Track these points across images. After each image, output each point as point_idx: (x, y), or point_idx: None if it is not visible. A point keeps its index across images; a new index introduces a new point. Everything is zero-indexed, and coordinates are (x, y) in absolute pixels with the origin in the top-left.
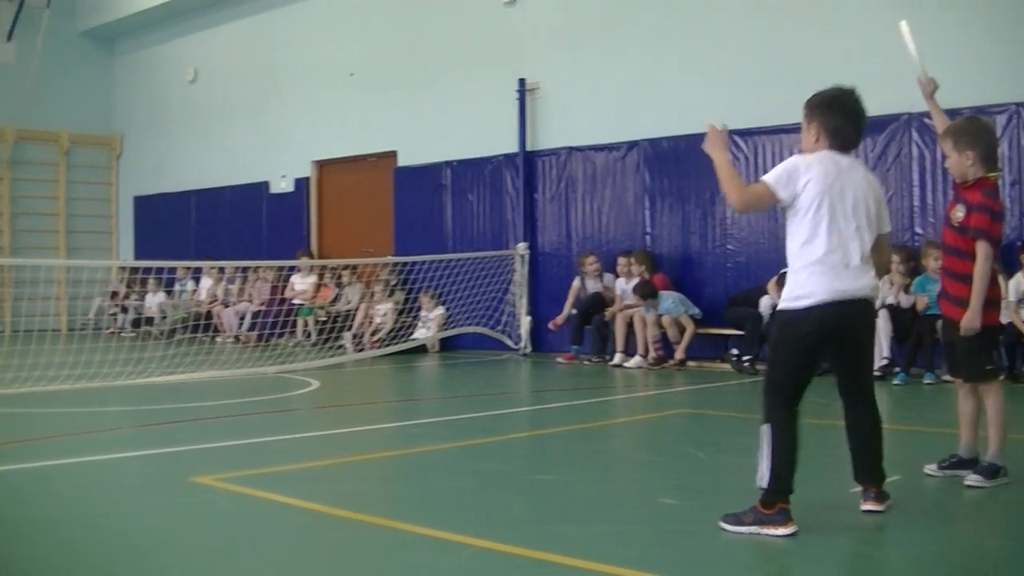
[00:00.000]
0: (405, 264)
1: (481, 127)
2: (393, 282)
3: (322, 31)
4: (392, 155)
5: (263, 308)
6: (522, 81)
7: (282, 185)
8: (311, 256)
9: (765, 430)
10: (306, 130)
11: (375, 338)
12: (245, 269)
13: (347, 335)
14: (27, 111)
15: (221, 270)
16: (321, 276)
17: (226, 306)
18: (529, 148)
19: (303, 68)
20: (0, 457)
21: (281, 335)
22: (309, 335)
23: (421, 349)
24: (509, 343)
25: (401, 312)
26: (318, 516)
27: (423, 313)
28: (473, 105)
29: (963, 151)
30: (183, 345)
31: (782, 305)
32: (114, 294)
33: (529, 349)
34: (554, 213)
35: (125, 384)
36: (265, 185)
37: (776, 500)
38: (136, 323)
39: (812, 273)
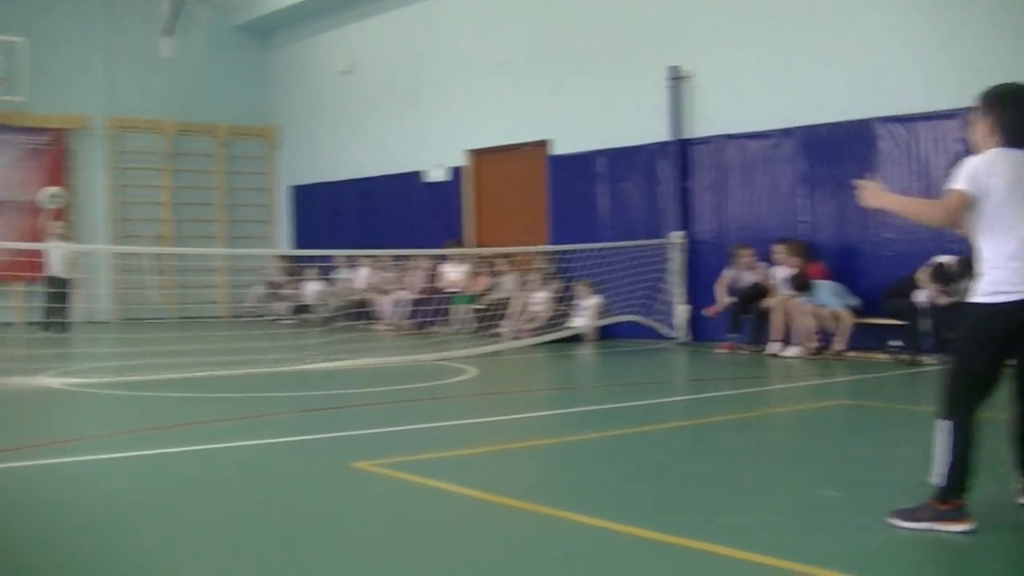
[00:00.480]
0: (560, 253)
1: (635, 115)
2: (549, 271)
3: (475, 20)
4: (546, 144)
5: (419, 296)
6: (675, 68)
7: (436, 174)
8: (461, 246)
9: (944, 427)
10: (460, 119)
11: (531, 326)
12: (401, 257)
13: (506, 323)
14: (186, 104)
15: (378, 258)
16: (474, 265)
17: (383, 294)
18: (683, 136)
19: (456, 57)
20: (166, 440)
21: (438, 323)
22: (465, 323)
23: (577, 337)
24: (665, 332)
25: (557, 300)
26: (475, 502)
27: (579, 301)
28: (626, 93)
29: None
30: (341, 333)
31: (977, 299)
32: (272, 283)
33: (685, 338)
34: (709, 201)
35: (284, 371)
36: (420, 174)
37: (951, 497)
38: (295, 311)
39: (1012, 269)
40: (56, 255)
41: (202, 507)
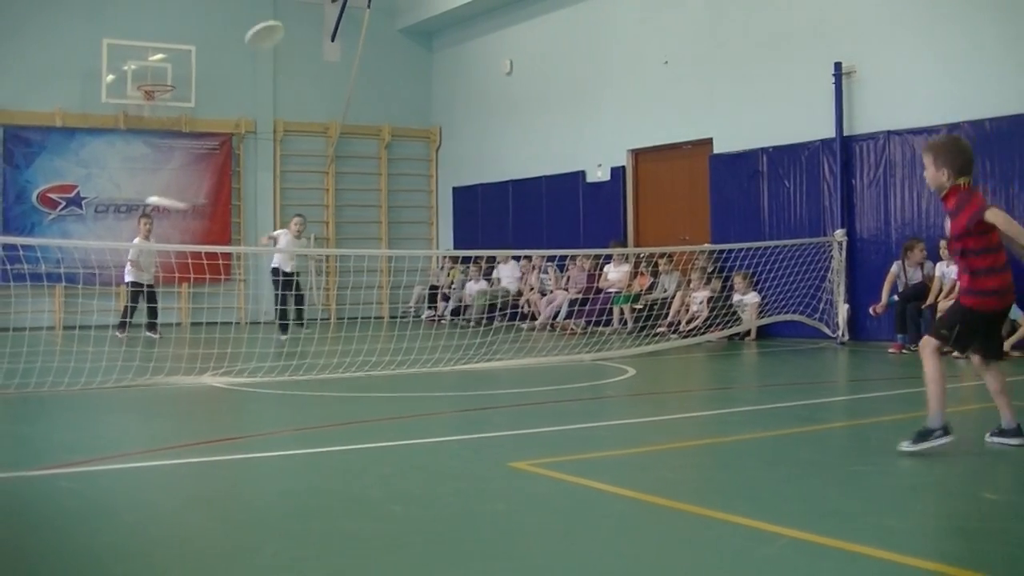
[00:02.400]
0: (722, 252)
1: (797, 112)
2: (710, 270)
3: (636, 19)
4: (708, 142)
5: (579, 296)
6: (838, 65)
7: (598, 174)
8: (624, 246)
9: None
10: (621, 119)
11: (692, 326)
12: (562, 257)
13: (666, 323)
14: (350, 107)
15: (538, 257)
16: (636, 265)
17: (542, 295)
18: (846, 133)
19: (618, 57)
20: (325, 439)
21: (598, 323)
22: (625, 323)
23: (738, 337)
24: (827, 331)
25: (718, 299)
26: (633, 503)
27: (737, 296)
28: (789, 90)
29: None
30: (500, 333)
31: None
32: (433, 284)
33: (847, 337)
34: (872, 199)
35: (444, 370)
36: (581, 175)
37: None
38: (456, 311)
39: None
40: (287, 249)
41: (360, 505)
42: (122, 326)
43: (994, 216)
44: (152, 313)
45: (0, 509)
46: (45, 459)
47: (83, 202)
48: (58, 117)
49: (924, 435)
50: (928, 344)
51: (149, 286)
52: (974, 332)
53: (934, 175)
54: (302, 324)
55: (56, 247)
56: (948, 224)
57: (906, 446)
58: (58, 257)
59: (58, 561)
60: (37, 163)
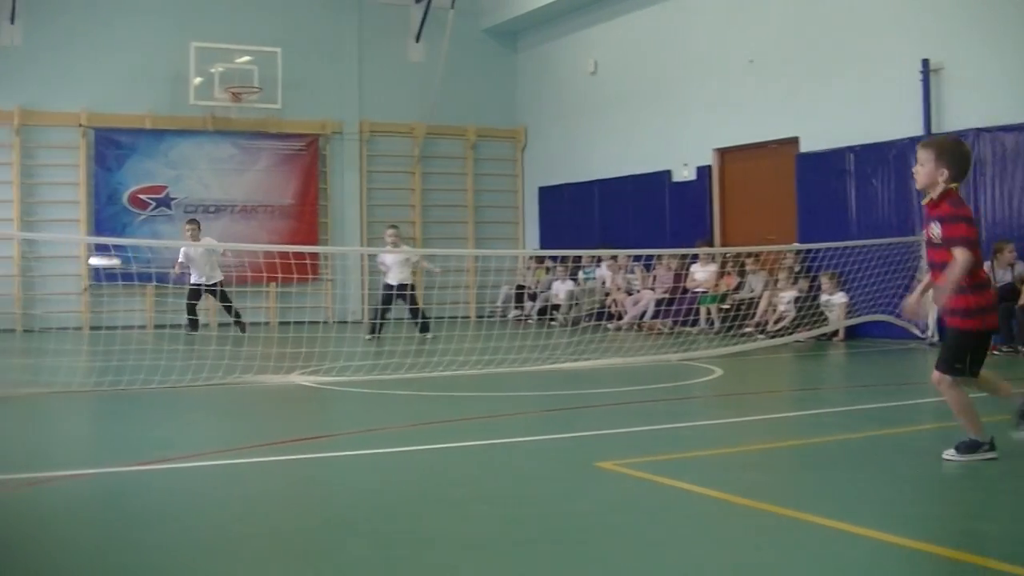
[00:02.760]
0: (808, 251)
1: (884, 110)
2: (797, 269)
3: (721, 18)
4: (794, 141)
5: (666, 296)
6: (925, 62)
7: (684, 174)
8: (710, 245)
9: None
10: (707, 118)
11: (779, 326)
12: (648, 257)
13: (753, 323)
14: (436, 108)
15: (625, 258)
16: (723, 264)
17: (629, 294)
18: (934, 130)
19: (703, 56)
20: (409, 438)
21: (684, 323)
22: (712, 323)
23: (825, 337)
24: (916, 332)
25: (805, 299)
26: (720, 504)
27: (824, 296)
28: (875, 88)
29: None
30: (587, 332)
31: None
32: (520, 284)
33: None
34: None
35: (530, 370)
36: (667, 174)
37: None
38: (542, 311)
39: None
40: (391, 263)
41: (446, 505)
42: (191, 324)
43: (960, 254)
44: (228, 311)
45: (95, 505)
46: (136, 455)
47: (172, 203)
48: (147, 119)
49: (972, 447)
50: (943, 381)
51: (211, 286)
52: (984, 352)
53: (931, 172)
54: (426, 330)
55: (147, 247)
56: (935, 228)
57: (951, 455)
58: (148, 257)
59: (146, 555)
60: (128, 165)
